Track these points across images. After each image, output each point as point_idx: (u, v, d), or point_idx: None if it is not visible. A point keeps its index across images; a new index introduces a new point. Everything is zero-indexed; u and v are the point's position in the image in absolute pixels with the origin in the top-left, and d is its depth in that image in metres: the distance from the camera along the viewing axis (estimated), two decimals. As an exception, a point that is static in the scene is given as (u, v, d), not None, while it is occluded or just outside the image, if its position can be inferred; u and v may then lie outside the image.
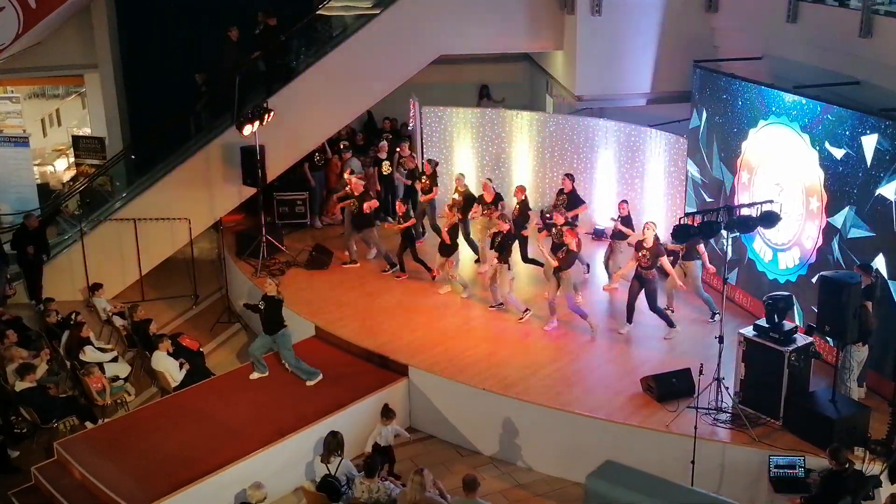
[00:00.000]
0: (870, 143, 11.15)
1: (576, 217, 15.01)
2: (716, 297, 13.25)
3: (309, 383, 12.33)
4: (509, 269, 13.75)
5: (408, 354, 12.90)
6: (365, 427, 11.52)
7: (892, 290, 11.07)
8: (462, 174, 16.15)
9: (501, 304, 14.12)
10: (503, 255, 13.67)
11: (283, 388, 12.46)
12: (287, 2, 17.52)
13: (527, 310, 13.82)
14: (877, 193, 11.11)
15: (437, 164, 16.95)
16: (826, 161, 11.95)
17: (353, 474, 10.31)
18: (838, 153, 11.70)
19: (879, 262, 11.17)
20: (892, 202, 10.91)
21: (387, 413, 11.04)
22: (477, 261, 15.69)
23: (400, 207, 15.16)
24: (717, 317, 13.36)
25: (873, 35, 12.00)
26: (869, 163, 11.18)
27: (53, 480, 10.81)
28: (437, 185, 16.28)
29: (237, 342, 15.32)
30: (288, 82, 16.50)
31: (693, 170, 14.89)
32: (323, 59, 16.51)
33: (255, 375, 12.68)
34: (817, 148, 12.12)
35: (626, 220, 14.30)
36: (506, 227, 13.76)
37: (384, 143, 18.00)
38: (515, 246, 14.35)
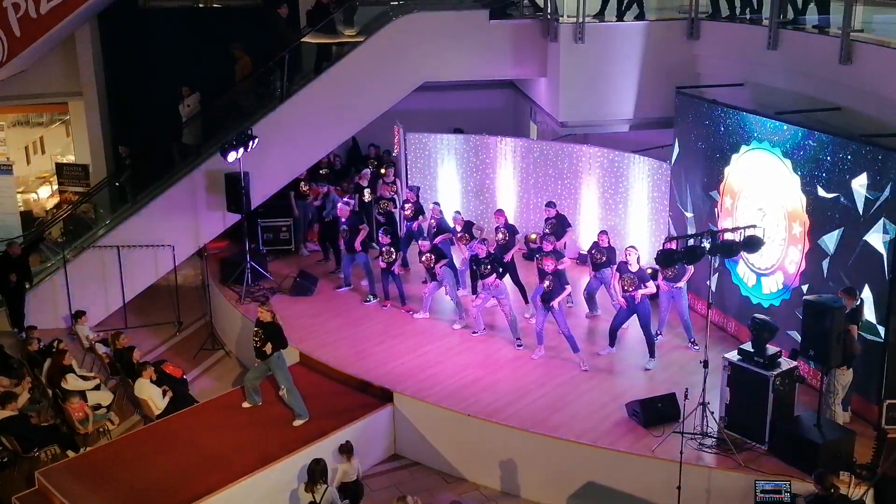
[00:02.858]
0: (859, 186, 11.16)
1: (564, 246, 15.02)
2: (699, 320, 13.27)
3: (296, 423, 12.15)
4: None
5: (392, 380, 12.83)
6: (350, 454, 11.44)
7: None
8: (437, 203, 16.27)
9: (485, 330, 14.17)
10: (500, 275, 13.68)
11: (267, 415, 12.35)
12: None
13: (519, 338, 13.83)
14: (863, 240, 11.17)
15: (418, 189, 16.95)
16: (813, 198, 12.01)
17: (339, 502, 10.21)
18: (829, 195, 11.73)
19: (866, 302, 11.18)
20: (881, 254, 10.91)
21: (345, 450, 10.92)
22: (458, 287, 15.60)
23: (384, 239, 15.11)
24: (696, 344, 13.39)
25: (853, 61, 12.09)
26: (861, 210, 11.20)
27: (34, 510, 10.68)
28: (423, 212, 16.27)
29: (221, 369, 15.22)
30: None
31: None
32: (308, 86, 16.53)
33: (246, 405, 12.57)
34: (799, 173, 12.18)
35: (610, 251, 14.23)
36: (483, 250, 13.80)
37: (366, 171, 18.01)
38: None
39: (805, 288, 12.14)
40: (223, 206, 16.13)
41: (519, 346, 13.75)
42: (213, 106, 17.46)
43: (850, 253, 11.41)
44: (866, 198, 11.07)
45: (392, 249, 15.04)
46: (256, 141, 15.50)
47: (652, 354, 13.15)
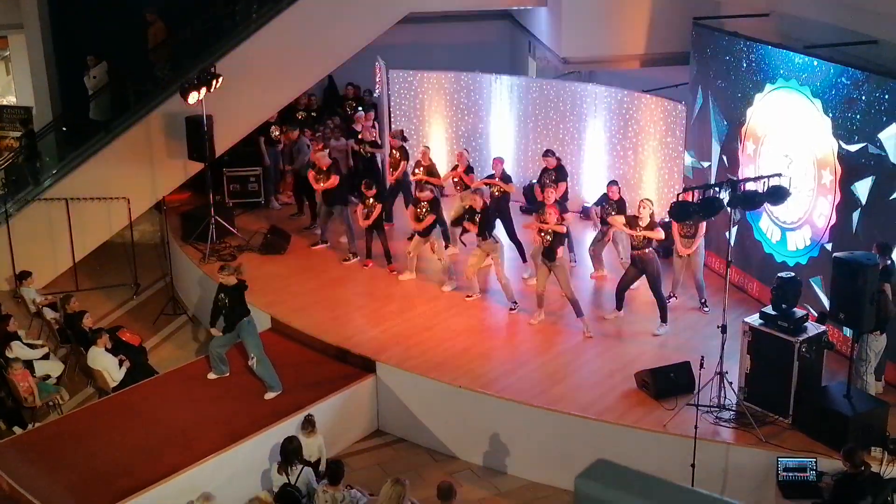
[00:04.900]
0: (890, 137, 11.14)
1: (565, 196, 14.96)
2: (717, 280, 13.31)
3: (267, 395, 12.18)
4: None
5: (375, 349, 12.86)
6: (327, 431, 11.50)
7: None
8: (427, 147, 16.26)
9: (480, 292, 14.18)
10: (488, 232, 13.64)
11: (236, 387, 12.40)
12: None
13: (515, 303, 13.83)
14: (892, 196, 11.18)
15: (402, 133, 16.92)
16: (845, 143, 11.99)
17: (315, 484, 10.28)
18: (853, 148, 11.73)
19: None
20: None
21: (306, 425, 11.01)
22: (447, 245, 15.60)
23: (367, 189, 15.03)
24: (706, 307, 13.46)
25: (893, -11, 12.06)
26: (893, 159, 11.19)
27: (-23, 493, 10.74)
28: (406, 159, 16.24)
29: (183, 336, 15.26)
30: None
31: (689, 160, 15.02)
32: (278, 17, 16.38)
33: (212, 375, 12.60)
34: (830, 115, 12.16)
35: (620, 205, 14.17)
36: (479, 202, 13.74)
37: (361, 114, 17.93)
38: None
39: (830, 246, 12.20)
40: (184, 153, 16.02)
41: (512, 309, 13.77)
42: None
43: (884, 205, 11.43)
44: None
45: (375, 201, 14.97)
46: (221, 80, 15.37)
47: (664, 319, 13.20)
